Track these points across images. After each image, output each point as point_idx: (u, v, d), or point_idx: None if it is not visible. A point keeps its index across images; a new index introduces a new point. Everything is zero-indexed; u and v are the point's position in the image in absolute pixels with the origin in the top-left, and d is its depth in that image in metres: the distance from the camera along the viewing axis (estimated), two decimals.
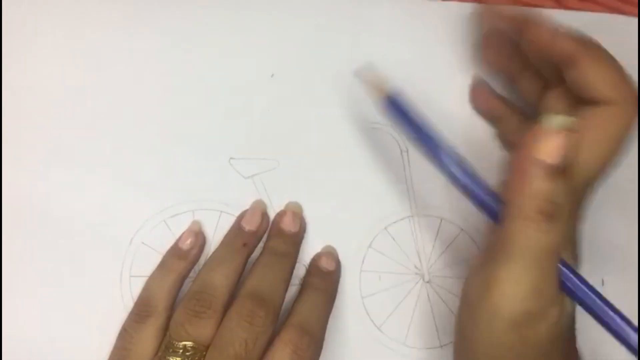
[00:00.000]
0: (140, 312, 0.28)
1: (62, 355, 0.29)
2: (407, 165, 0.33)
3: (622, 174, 0.34)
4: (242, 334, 0.26)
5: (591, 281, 0.25)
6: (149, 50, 0.33)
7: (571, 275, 0.24)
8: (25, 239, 0.30)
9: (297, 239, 0.31)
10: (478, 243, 0.32)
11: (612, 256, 0.33)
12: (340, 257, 0.31)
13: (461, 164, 0.25)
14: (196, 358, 0.26)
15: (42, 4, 0.32)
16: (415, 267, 0.32)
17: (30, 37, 0.32)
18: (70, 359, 0.29)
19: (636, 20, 0.35)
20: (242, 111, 0.32)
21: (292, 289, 0.30)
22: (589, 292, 0.24)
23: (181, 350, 0.26)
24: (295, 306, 0.28)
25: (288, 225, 0.30)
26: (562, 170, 0.23)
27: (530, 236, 0.23)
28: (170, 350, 0.26)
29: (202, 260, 0.31)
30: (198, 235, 0.30)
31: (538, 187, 0.23)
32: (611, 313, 0.24)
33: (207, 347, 0.26)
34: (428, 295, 0.32)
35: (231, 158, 0.32)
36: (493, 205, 0.25)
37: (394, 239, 0.32)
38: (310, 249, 0.31)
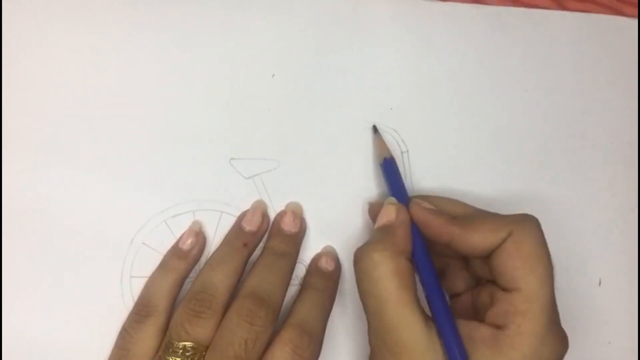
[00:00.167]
0: (140, 312, 0.28)
1: (62, 355, 0.29)
2: (407, 165, 0.33)
3: (622, 173, 0.34)
4: (242, 333, 0.26)
5: (588, 281, 0.25)
6: (150, 50, 0.33)
7: None
8: (25, 239, 0.30)
9: (297, 239, 0.31)
10: None
11: (608, 256, 0.33)
12: (340, 257, 0.31)
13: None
14: (196, 358, 0.26)
15: (42, 4, 0.32)
16: None
17: (30, 37, 0.32)
18: (70, 359, 0.29)
19: (636, 22, 0.36)
20: (242, 111, 0.32)
21: (292, 289, 0.31)
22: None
23: (181, 351, 0.26)
24: (295, 306, 0.29)
25: (288, 225, 0.30)
26: None
27: None
28: (170, 350, 0.26)
29: (203, 260, 0.31)
30: (198, 236, 0.30)
31: None
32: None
33: (206, 347, 0.26)
34: None
35: (232, 158, 0.32)
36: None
37: None
38: (310, 249, 0.31)
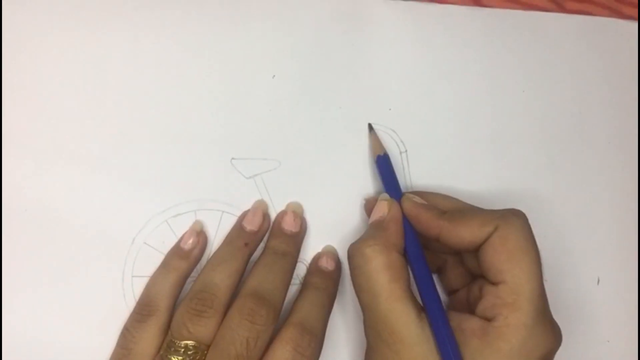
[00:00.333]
0: (142, 311, 0.28)
1: (63, 355, 0.29)
2: (406, 165, 0.33)
3: (621, 174, 0.35)
4: (244, 332, 0.26)
5: (587, 279, 0.26)
6: (150, 51, 0.33)
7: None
8: (25, 239, 0.30)
9: (297, 238, 0.31)
10: None
11: (607, 255, 0.33)
12: (341, 257, 0.32)
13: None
14: (197, 357, 0.26)
15: (42, 4, 0.32)
16: None
17: (30, 37, 0.32)
18: (71, 359, 0.29)
19: (635, 24, 0.36)
20: (243, 112, 0.32)
21: (293, 289, 0.31)
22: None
23: (182, 350, 0.26)
24: (296, 305, 0.29)
25: (289, 225, 0.30)
26: None
27: None
28: (172, 349, 0.26)
29: (204, 260, 0.31)
30: (200, 235, 0.30)
31: None
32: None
33: (208, 346, 0.26)
34: None
35: (233, 158, 0.32)
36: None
37: None
38: (311, 248, 0.32)
